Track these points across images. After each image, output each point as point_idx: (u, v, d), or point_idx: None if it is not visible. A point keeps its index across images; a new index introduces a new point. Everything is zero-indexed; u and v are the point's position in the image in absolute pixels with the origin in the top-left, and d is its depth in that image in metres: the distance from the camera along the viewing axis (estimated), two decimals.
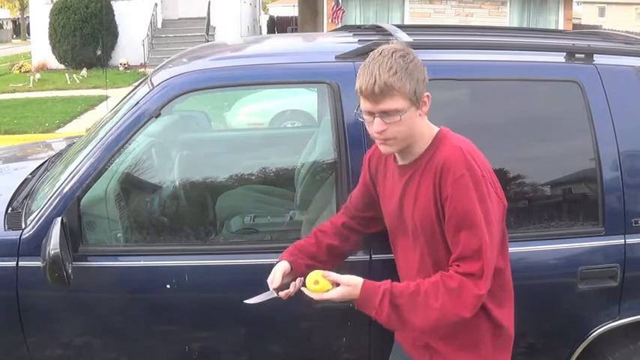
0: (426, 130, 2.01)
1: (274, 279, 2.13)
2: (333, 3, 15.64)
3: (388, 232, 2.20)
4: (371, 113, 1.93)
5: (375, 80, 1.87)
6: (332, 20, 15.46)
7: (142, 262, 2.54)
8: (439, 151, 1.96)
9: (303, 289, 2.06)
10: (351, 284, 1.98)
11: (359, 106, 1.98)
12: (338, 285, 2.00)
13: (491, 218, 1.91)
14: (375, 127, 1.93)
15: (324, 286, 2.01)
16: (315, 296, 2.01)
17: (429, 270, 2.00)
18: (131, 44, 19.66)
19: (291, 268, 2.17)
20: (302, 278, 2.11)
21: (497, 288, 2.02)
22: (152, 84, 2.67)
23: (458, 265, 1.90)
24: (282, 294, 2.12)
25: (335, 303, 2.04)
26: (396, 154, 2.07)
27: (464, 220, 1.89)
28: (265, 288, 2.14)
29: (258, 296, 2.15)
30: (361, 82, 1.91)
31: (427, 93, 1.97)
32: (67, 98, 14.47)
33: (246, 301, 2.16)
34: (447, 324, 1.93)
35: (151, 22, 19.80)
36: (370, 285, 1.98)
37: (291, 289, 2.11)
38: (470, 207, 1.88)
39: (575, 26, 18.18)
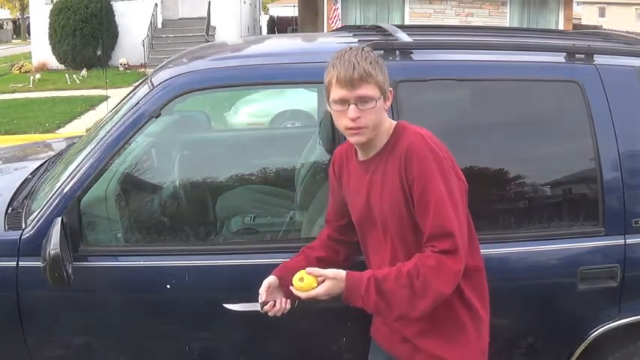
0: (387, 124, 2.09)
1: (260, 293, 2.16)
2: (333, 5, 15.67)
3: (357, 230, 2.22)
4: (345, 101, 1.99)
5: (354, 67, 1.96)
6: (331, 22, 15.50)
7: (142, 262, 2.54)
8: (401, 140, 2.03)
9: (291, 288, 2.07)
10: (335, 277, 2.02)
11: (328, 98, 2.04)
12: (323, 281, 2.02)
13: (456, 196, 1.98)
14: (349, 114, 1.99)
15: (310, 283, 2.03)
16: (302, 295, 2.04)
17: (401, 262, 2.02)
18: (131, 44, 19.67)
19: (280, 284, 2.18)
20: (286, 299, 2.16)
21: (470, 269, 2.06)
22: (152, 84, 2.67)
23: (432, 246, 1.95)
24: (266, 308, 2.15)
25: (327, 300, 2.05)
26: (358, 151, 2.13)
27: (431, 199, 1.95)
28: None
29: (242, 304, 2.18)
30: (338, 70, 1.98)
31: (391, 89, 2.06)
32: (67, 98, 14.48)
33: (227, 305, 2.19)
34: (431, 303, 1.96)
35: (151, 23, 19.80)
36: (354, 275, 2.02)
37: (277, 306, 2.15)
38: (435, 186, 1.95)
39: (575, 26, 18.18)
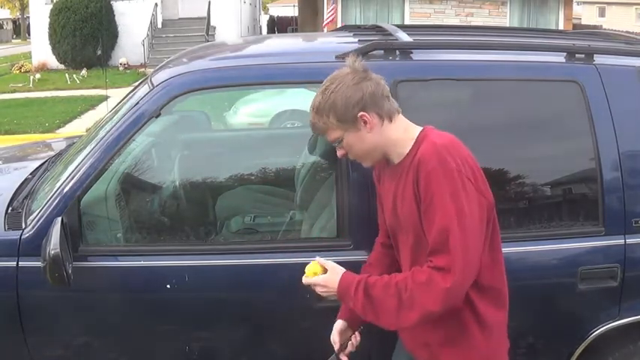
0: (399, 135, 2.04)
1: (334, 341, 2.19)
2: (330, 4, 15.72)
3: (389, 232, 2.21)
4: None
5: (309, 121, 2.06)
6: (326, 25, 15.54)
7: (142, 262, 2.54)
8: (420, 149, 1.99)
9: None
10: (332, 270, 2.07)
11: None
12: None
13: (465, 212, 1.90)
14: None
15: (314, 269, 2.08)
16: (304, 279, 2.09)
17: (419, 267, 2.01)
18: (131, 44, 19.67)
19: (347, 324, 2.22)
20: (353, 332, 2.20)
21: (487, 285, 2.03)
22: (152, 84, 2.67)
23: (430, 260, 1.92)
24: (344, 354, 2.18)
25: (326, 295, 2.09)
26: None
27: (434, 213, 1.91)
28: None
29: None
30: None
31: (361, 113, 1.98)
32: (67, 98, 14.48)
33: None
34: (418, 318, 1.93)
35: (151, 22, 19.80)
36: (348, 275, 2.05)
37: (349, 347, 2.19)
38: (439, 200, 1.90)
39: (575, 26, 18.20)
